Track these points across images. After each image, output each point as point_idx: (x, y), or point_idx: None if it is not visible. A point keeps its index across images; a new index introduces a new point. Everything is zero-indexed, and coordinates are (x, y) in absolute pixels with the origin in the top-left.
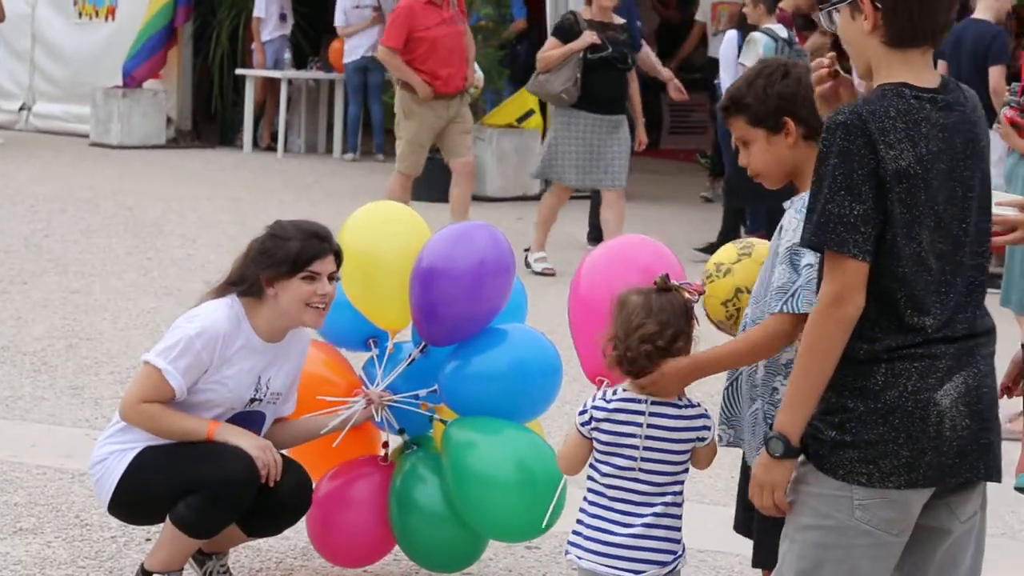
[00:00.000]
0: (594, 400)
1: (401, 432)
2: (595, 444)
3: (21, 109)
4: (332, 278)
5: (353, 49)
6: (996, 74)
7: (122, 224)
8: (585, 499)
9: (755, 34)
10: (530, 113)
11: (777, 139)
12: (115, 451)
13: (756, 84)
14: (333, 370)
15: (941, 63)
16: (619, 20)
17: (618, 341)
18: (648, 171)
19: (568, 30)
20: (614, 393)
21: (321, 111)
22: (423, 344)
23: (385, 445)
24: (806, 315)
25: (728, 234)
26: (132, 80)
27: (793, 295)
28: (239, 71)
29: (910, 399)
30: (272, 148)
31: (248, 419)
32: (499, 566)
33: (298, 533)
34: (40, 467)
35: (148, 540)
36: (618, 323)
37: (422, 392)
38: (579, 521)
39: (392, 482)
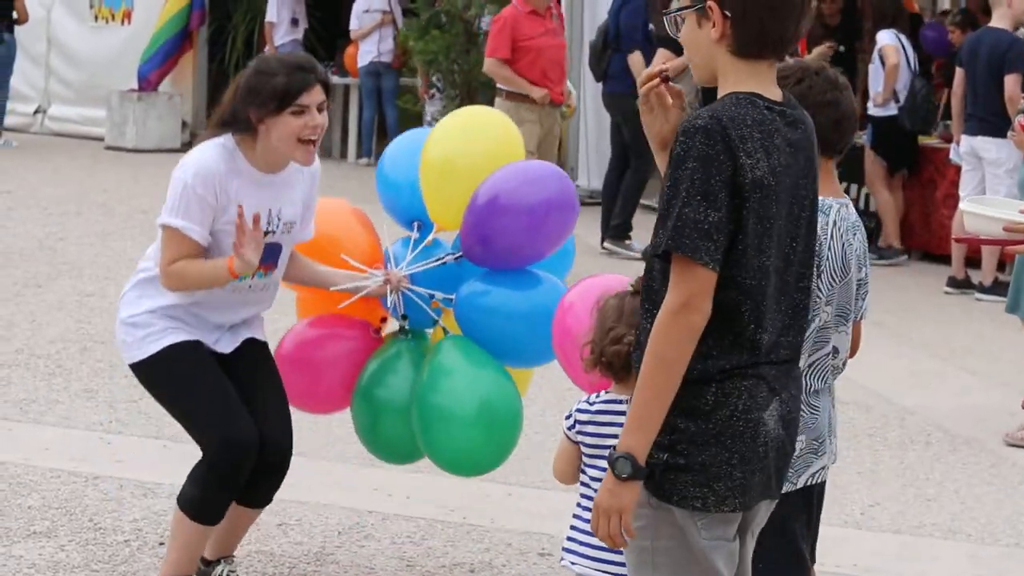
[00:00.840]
0: (578, 404)
1: (404, 318)
2: (582, 448)
3: (36, 112)
4: (321, 108)
5: (366, 53)
6: (1012, 82)
7: (137, 227)
8: (578, 504)
9: None
10: None
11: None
12: (144, 325)
13: None
14: (361, 237)
15: (959, 71)
16: None
17: (594, 344)
18: None
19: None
20: (598, 396)
21: (336, 115)
22: (460, 254)
23: (383, 320)
24: None
25: None
26: (147, 83)
27: None
28: None
29: (741, 419)
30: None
31: (266, 252)
32: (511, 572)
33: (311, 538)
34: (54, 470)
35: (161, 544)
36: (595, 326)
37: (439, 295)
38: (572, 527)
39: (371, 358)
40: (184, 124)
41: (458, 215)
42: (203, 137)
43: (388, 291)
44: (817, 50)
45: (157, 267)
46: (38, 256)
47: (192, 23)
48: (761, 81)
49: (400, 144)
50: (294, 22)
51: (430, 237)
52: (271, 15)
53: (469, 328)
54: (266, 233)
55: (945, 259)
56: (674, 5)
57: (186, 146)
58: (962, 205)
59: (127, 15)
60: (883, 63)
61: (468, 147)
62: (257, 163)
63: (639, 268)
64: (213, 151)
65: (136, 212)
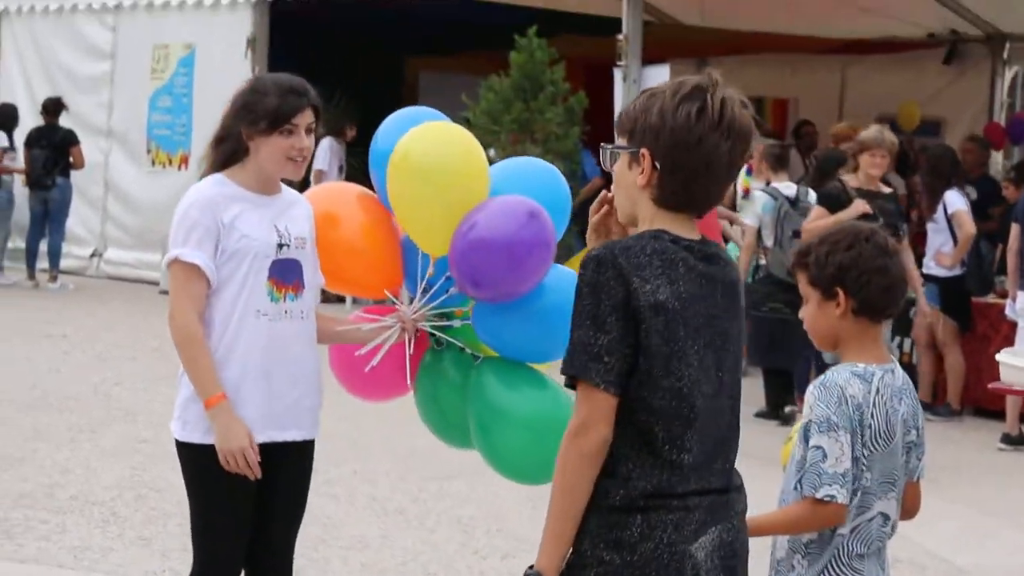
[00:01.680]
0: None
1: (438, 344)
2: None
3: (92, 255)
4: (309, 131)
5: None
6: None
7: None
8: None
9: (756, 192)
10: None
11: (828, 305)
12: (188, 415)
13: (820, 247)
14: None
15: (1015, 227)
16: (886, 189)
17: None
18: None
19: (836, 199)
20: None
21: None
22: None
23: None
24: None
25: (776, 399)
26: None
27: (802, 475)
28: None
29: (666, 551)
30: (342, 298)
31: (288, 268)
32: None
33: None
34: None
35: None
36: None
37: (458, 310)
38: None
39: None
40: None
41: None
42: (203, 173)
43: (407, 338)
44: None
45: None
46: (93, 401)
47: None
48: (675, 224)
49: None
50: (340, 168)
51: (430, 269)
52: (320, 162)
53: (488, 336)
54: (280, 246)
55: (999, 415)
56: (616, 140)
57: None
58: (999, 356)
59: (184, 160)
60: (950, 224)
61: (439, 165)
62: (251, 184)
63: None
64: (206, 183)
65: None
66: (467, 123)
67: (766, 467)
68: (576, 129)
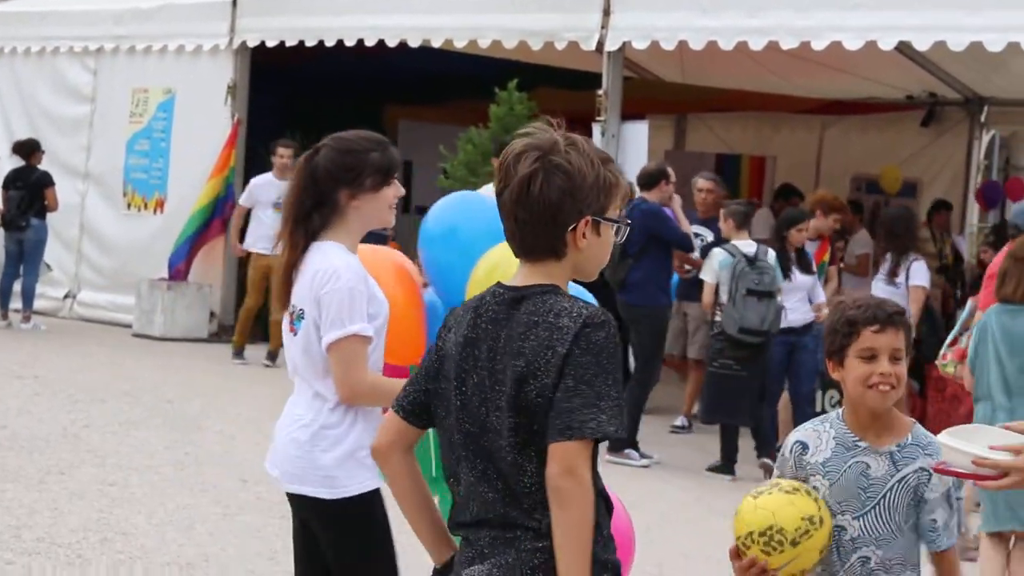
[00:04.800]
0: None
1: None
2: None
3: (66, 297)
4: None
5: None
6: None
7: (161, 417)
8: None
9: (714, 249)
10: None
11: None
12: (342, 472)
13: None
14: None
15: None
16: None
17: None
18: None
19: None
20: None
21: None
22: None
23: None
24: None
25: (729, 454)
26: (177, 273)
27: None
28: None
29: (454, 572)
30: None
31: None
32: None
33: None
34: None
35: None
36: None
37: None
38: None
39: None
40: (212, 315)
41: None
42: (293, 243)
43: None
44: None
45: (334, 394)
46: (62, 443)
47: (224, 213)
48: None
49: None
50: None
51: None
52: None
53: None
54: None
55: None
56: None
57: (213, 336)
58: (939, 437)
59: (160, 204)
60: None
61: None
62: (354, 248)
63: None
64: (340, 253)
65: (161, 402)
66: (444, 174)
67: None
68: None
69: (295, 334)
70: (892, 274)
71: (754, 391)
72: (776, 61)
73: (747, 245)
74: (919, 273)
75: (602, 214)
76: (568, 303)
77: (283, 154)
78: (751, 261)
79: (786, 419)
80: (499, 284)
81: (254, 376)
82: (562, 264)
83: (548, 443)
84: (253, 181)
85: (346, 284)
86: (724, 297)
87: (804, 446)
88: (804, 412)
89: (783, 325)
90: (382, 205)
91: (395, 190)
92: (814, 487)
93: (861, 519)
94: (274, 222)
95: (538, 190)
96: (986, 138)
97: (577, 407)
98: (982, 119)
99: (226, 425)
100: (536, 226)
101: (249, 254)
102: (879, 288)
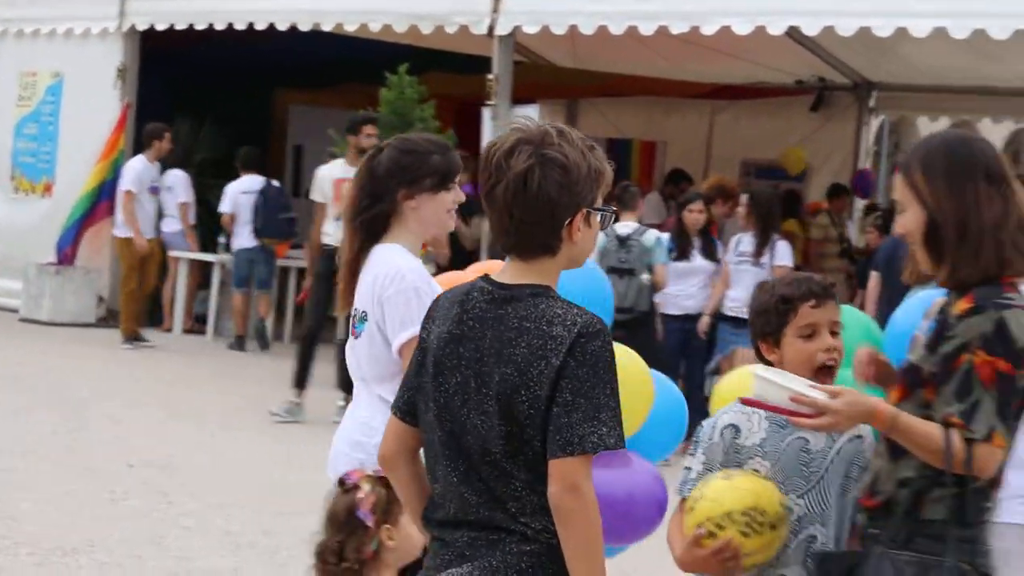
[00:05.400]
0: None
1: None
2: None
3: None
4: (461, 183)
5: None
6: None
7: (48, 402)
8: None
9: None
10: None
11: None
12: None
13: None
14: None
15: (874, 275)
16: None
17: None
18: None
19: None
20: None
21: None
22: None
23: None
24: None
25: None
26: (65, 257)
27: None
28: (173, 253)
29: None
30: (197, 331)
31: None
32: None
33: None
34: None
35: None
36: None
37: None
38: None
39: None
40: (100, 299)
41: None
42: (351, 243)
43: None
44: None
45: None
46: None
47: (112, 196)
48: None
49: None
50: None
51: None
52: (184, 196)
53: None
54: None
55: None
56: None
57: (101, 321)
58: (754, 368)
59: (48, 188)
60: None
61: None
62: (415, 248)
63: None
64: (405, 253)
65: (48, 387)
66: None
67: None
68: None
69: (356, 337)
70: (757, 255)
71: None
72: (667, 46)
73: (625, 227)
74: (783, 253)
75: (594, 204)
76: (562, 309)
77: (169, 139)
78: (622, 241)
79: None
80: (487, 278)
81: (142, 360)
82: (556, 259)
83: (548, 459)
84: (135, 166)
85: (411, 284)
86: None
87: (736, 429)
88: (696, 398)
89: (677, 312)
90: (440, 208)
91: (454, 195)
92: (755, 471)
93: (805, 497)
94: (151, 206)
95: (536, 186)
96: (875, 123)
97: (577, 421)
98: (871, 104)
99: (114, 410)
100: (534, 223)
101: (130, 239)
102: (744, 269)
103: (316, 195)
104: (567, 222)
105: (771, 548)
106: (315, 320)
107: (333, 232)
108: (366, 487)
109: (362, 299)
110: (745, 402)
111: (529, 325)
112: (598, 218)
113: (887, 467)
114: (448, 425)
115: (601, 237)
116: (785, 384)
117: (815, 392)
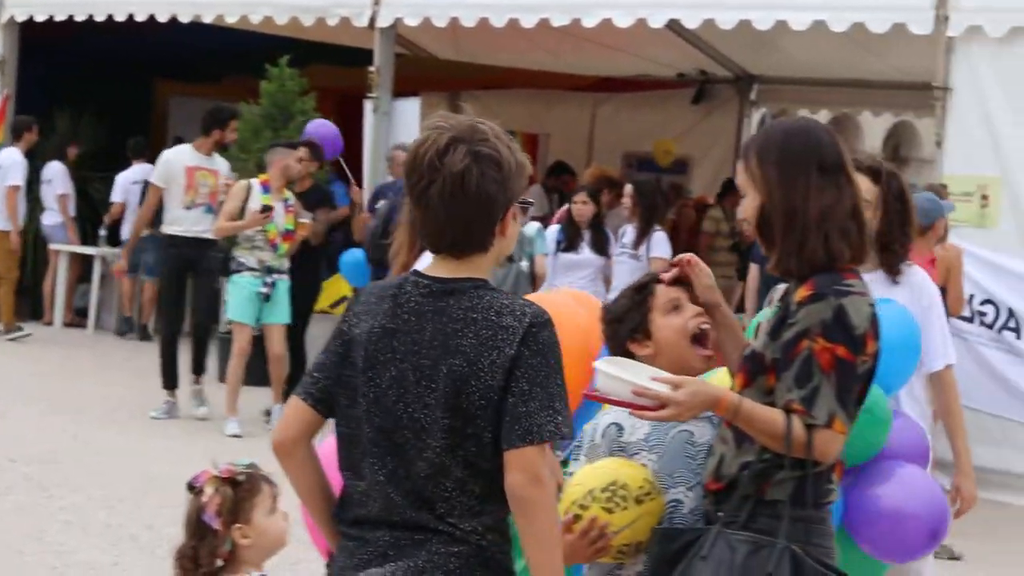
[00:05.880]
0: None
1: None
2: None
3: None
4: None
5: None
6: None
7: None
8: None
9: None
10: (343, 300)
11: None
12: None
13: None
14: None
15: (753, 267)
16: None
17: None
18: None
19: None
20: None
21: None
22: None
23: None
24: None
25: None
26: None
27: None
28: (53, 246)
29: (338, 574)
30: (78, 324)
31: None
32: None
33: None
34: None
35: None
36: None
37: None
38: None
39: None
40: None
41: None
42: (410, 244)
43: None
44: None
45: None
46: None
47: None
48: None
49: None
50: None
51: None
52: (63, 187)
53: None
54: None
55: None
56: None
57: None
58: (597, 363)
59: None
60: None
61: None
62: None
63: None
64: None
65: None
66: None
67: None
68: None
69: None
70: (636, 246)
71: None
72: (548, 38)
73: None
74: (660, 245)
75: (519, 198)
76: (508, 300)
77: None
78: None
79: None
80: (417, 273)
81: (22, 355)
82: (487, 255)
83: (505, 449)
84: (20, 160)
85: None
86: None
87: (619, 427)
88: None
89: None
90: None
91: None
92: (643, 465)
93: (695, 490)
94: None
95: (475, 185)
96: (756, 116)
97: (535, 410)
98: (752, 97)
99: None
100: (473, 222)
101: (8, 232)
102: (623, 261)
103: (158, 179)
104: (501, 218)
105: (641, 524)
106: (174, 318)
107: (183, 220)
108: (210, 490)
109: None
110: (588, 396)
111: (476, 316)
112: (521, 212)
113: (731, 452)
114: (378, 421)
115: None
116: (626, 377)
117: (656, 384)
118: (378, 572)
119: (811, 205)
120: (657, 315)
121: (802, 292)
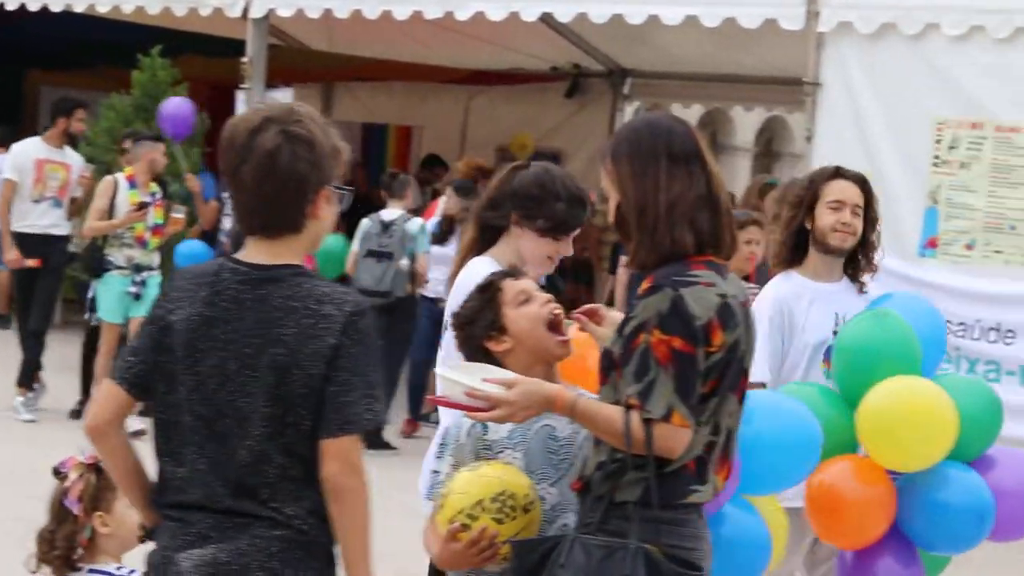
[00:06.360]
0: None
1: None
2: None
3: None
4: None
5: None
6: None
7: None
8: None
9: (363, 219)
10: None
11: None
12: None
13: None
14: None
15: (623, 259)
16: None
17: None
18: None
19: None
20: None
21: None
22: None
23: None
24: None
25: None
26: None
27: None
28: None
29: (158, 554)
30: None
31: None
32: None
33: None
34: None
35: None
36: None
37: None
38: None
39: None
40: None
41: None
42: (467, 248)
43: None
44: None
45: None
46: None
47: None
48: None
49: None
50: None
51: None
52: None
53: None
54: None
55: None
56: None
57: None
58: (437, 368)
59: None
60: None
61: None
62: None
63: None
64: (491, 264)
65: None
66: (86, 141)
67: None
68: (197, 150)
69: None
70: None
71: (391, 353)
72: (422, 31)
73: (390, 213)
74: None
75: (334, 183)
76: (327, 288)
77: None
78: (385, 226)
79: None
80: (233, 259)
81: None
82: (300, 238)
83: (322, 438)
84: None
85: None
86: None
87: (483, 426)
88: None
89: (429, 294)
90: (538, 251)
91: (560, 247)
92: (507, 463)
93: (557, 485)
94: None
95: (285, 163)
96: (629, 110)
97: (355, 400)
98: (625, 91)
99: None
100: (283, 201)
101: None
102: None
103: (11, 172)
104: (312, 199)
105: (528, 533)
106: (44, 318)
107: (29, 215)
108: (74, 475)
109: (450, 309)
110: (432, 401)
111: (296, 304)
112: (337, 198)
113: (592, 452)
114: (199, 409)
115: (366, 222)
116: (461, 380)
117: (488, 385)
118: (200, 553)
119: (661, 197)
120: (509, 309)
121: (643, 285)
